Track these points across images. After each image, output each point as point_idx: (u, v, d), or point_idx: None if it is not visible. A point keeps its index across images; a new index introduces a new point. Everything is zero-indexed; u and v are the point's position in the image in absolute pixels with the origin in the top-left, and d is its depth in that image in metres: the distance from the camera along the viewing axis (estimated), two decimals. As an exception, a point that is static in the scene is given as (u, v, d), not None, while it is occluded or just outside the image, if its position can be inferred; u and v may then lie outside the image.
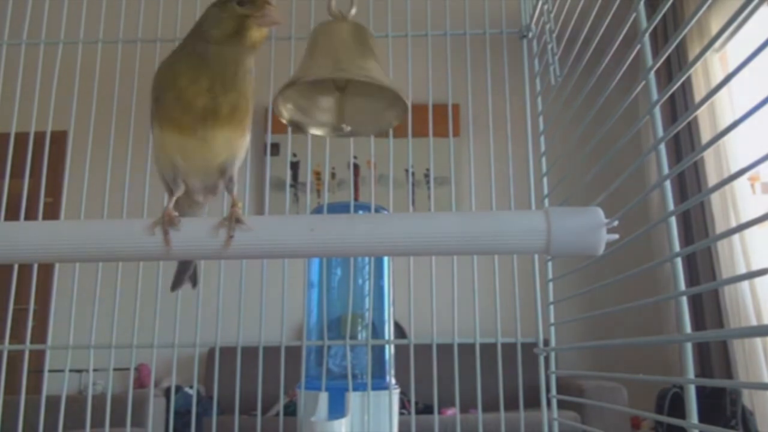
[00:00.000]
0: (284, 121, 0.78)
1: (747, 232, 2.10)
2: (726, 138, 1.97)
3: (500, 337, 0.95)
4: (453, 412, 2.13)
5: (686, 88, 2.31)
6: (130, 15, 1.09)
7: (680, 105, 2.32)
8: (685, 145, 2.32)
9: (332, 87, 0.78)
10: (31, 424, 0.97)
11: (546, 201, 0.93)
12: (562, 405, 1.01)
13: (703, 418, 0.47)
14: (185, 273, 0.78)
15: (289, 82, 0.72)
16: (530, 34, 1.05)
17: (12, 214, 0.95)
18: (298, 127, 0.79)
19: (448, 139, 1.02)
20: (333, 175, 2.85)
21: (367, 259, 0.96)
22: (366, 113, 0.79)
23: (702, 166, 2.27)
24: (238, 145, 0.65)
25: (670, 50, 0.51)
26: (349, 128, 0.78)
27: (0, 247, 0.58)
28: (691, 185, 2.32)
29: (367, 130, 0.81)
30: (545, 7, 0.95)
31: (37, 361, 1.59)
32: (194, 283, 0.80)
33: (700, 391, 1.72)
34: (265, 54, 1.05)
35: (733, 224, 2.16)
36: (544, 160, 0.95)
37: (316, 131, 0.80)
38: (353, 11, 0.76)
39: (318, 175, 2.73)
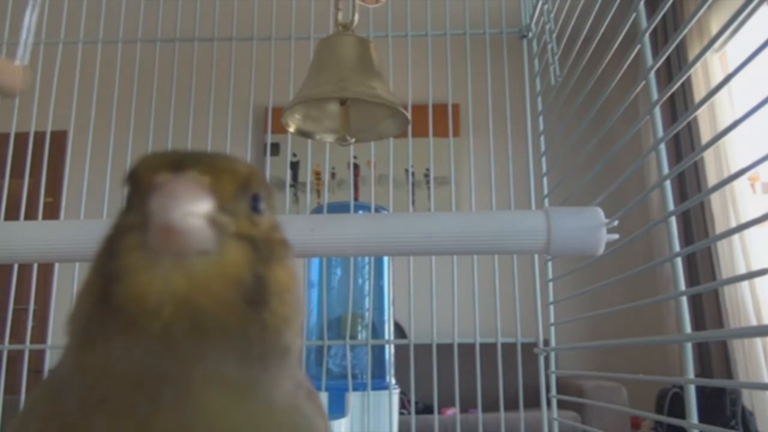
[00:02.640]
0: (291, 131, 0.79)
1: (747, 232, 2.10)
2: (726, 138, 1.97)
3: (500, 337, 0.95)
4: (453, 412, 2.13)
5: (686, 88, 2.31)
6: (130, 15, 1.09)
7: (680, 105, 2.32)
8: (685, 145, 2.32)
9: (337, 99, 0.79)
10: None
11: (546, 201, 0.93)
12: (562, 405, 1.01)
13: (703, 418, 0.47)
14: None
15: (294, 101, 0.74)
16: (530, 34, 1.05)
17: (12, 214, 0.95)
18: (307, 135, 0.81)
19: (448, 139, 1.02)
20: (333, 175, 2.85)
21: (367, 259, 0.96)
22: (368, 122, 0.81)
23: (702, 166, 2.27)
24: None
25: (670, 50, 0.51)
26: (353, 140, 0.79)
27: (0, 247, 0.58)
28: (691, 185, 2.31)
29: (369, 137, 0.83)
30: (545, 7, 0.95)
31: (37, 361, 1.59)
32: None
33: (700, 391, 1.73)
34: (266, 54, 1.05)
35: (733, 224, 2.16)
36: (544, 160, 0.95)
37: (323, 137, 0.81)
38: (356, 18, 0.77)
39: (318, 175, 2.73)
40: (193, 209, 0.23)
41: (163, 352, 0.23)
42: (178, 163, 0.24)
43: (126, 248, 0.24)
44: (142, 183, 0.25)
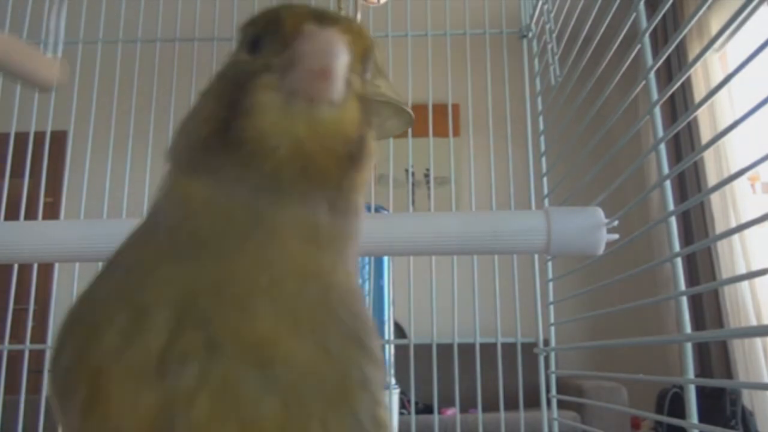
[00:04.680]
0: None
1: (747, 232, 2.10)
2: (726, 138, 1.96)
3: (500, 337, 0.95)
4: (453, 412, 2.13)
5: (686, 88, 2.31)
6: (130, 15, 1.09)
7: (680, 105, 2.32)
8: (685, 145, 2.32)
9: None
10: (31, 424, 0.97)
11: (546, 201, 0.93)
12: (562, 405, 1.01)
13: (703, 418, 0.47)
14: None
15: None
16: (530, 34, 1.05)
17: (12, 214, 0.95)
18: None
19: (448, 139, 1.02)
20: (333, 175, 2.85)
21: (367, 259, 0.96)
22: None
23: (702, 166, 2.27)
24: None
25: (670, 50, 0.51)
26: None
27: (0, 247, 0.58)
28: (691, 185, 2.31)
29: (374, 135, 0.82)
30: (545, 7, 0.95)
31: (37, 361, 1.59)
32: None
33: (700, 391, 1.72)
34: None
35: (733, 224, 2.16)
36: (544, 160, 0.95)
37: None
38: (359, 17, 0.77)
39: (318, 175, 2.72)
40: (342, 61, 0.24)
41: (267, 191, 0.24)
42: (321, 17, 0.25)
43: (261, 87, 0.24)
44: (286, 28, 0.25)
